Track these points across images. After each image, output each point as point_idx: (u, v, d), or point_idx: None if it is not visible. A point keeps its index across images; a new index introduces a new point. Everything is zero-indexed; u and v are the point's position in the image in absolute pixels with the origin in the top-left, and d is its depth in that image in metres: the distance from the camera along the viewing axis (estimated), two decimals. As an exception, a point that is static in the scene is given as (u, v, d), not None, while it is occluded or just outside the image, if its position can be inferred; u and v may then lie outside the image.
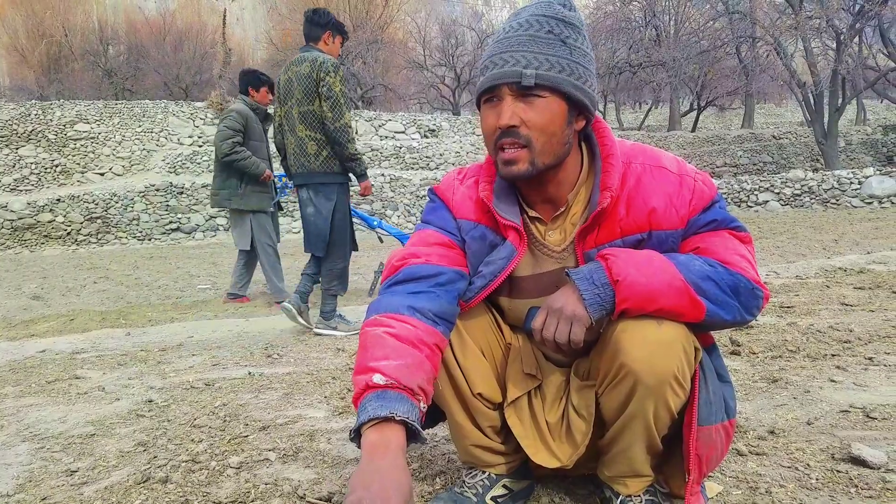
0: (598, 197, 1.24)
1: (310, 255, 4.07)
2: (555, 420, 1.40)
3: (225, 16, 22.32)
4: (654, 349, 1.17)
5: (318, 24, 4.00)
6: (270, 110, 5.41)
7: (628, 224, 1.25)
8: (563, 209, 1.32)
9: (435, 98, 31.91)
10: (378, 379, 1.13)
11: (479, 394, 1.39)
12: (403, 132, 19.30)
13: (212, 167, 16.80)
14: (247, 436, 2.15)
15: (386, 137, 19.12)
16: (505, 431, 1.45)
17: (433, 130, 19.15)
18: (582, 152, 1.33)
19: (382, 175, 15.69)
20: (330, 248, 3.97)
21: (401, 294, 1.28)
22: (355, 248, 4.15)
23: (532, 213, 1.34)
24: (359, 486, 1.01)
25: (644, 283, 1.16)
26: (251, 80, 5.47)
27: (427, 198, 1.49)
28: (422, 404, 1.16)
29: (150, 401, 2.64)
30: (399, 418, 1.09)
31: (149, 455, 2.00)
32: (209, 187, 15.09)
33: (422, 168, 17.92)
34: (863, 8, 17.56)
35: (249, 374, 3.02)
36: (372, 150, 17.57)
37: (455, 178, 1.44)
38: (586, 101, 1.23)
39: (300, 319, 3.99)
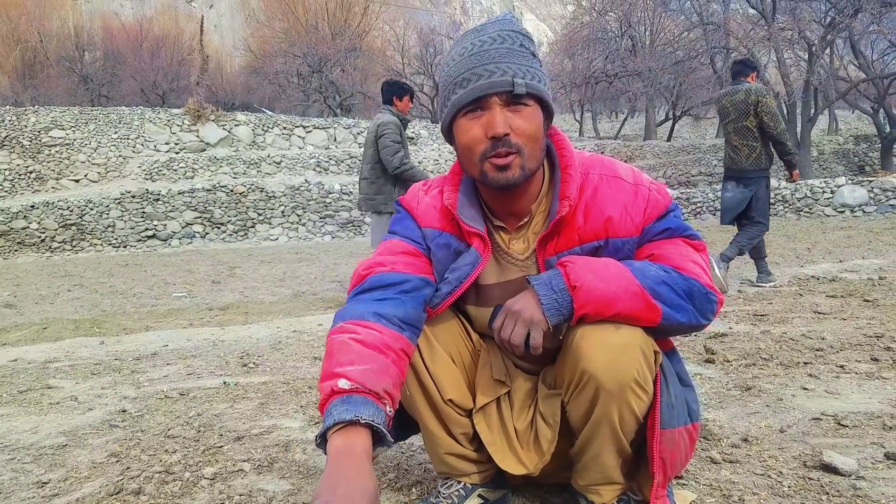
0: (558, 206, 1.29)
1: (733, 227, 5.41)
2: (523, 427, 1.42)
3: (202, 23, 22.16)
4: (613, 353, 1.20)
5: (750, 66, 5.47)
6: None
7: (586, 232, 1.30)
8: (526, 220, 1.36)
9: (413, 106, 31.95)
10: (343, 384, 1.13)
11: (451, 400, 1.41)
12: (383, 140, 19.23)
13: (188, 173, 16.78)
14: (221, 446, 2.13)
15: (364, 145, 19.05)
16: (478, 440, 1.45)
17: (412, 138, 19.16)
18: (543, 163, 1.37)
19: (361, 183, 15.65)
20: (750, 222, 5.22)
21: (366, 301, 1.29)
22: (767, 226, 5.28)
23: (496, 223, 1.38)
24: (325, 490, 1.00)
25: (602, 288, 1.21)
26: (395, 90, 5.63)
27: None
28: (388, 408, 1.16)
29: (124, 411, 2.60)
30: (364, 421, 1.09)
31: (122, 466, 1.97)
32: (185, 194, 15.14)
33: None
34: (834, 20, 17.94)
35: (224, 383, 2.99)
36: (350, 157, 17.54)
37: (420, 190, 1.48)
38: (553, 109, 1.31)
39: (718, 275, 4.93)
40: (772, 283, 5.13)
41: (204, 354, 3.73)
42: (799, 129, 19.20)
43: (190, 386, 2.97)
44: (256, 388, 2.88)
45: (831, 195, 13.64)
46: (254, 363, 3.41)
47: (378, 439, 1.12)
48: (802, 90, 19.36)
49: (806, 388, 2.41)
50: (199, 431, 2.29)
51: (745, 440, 1.94)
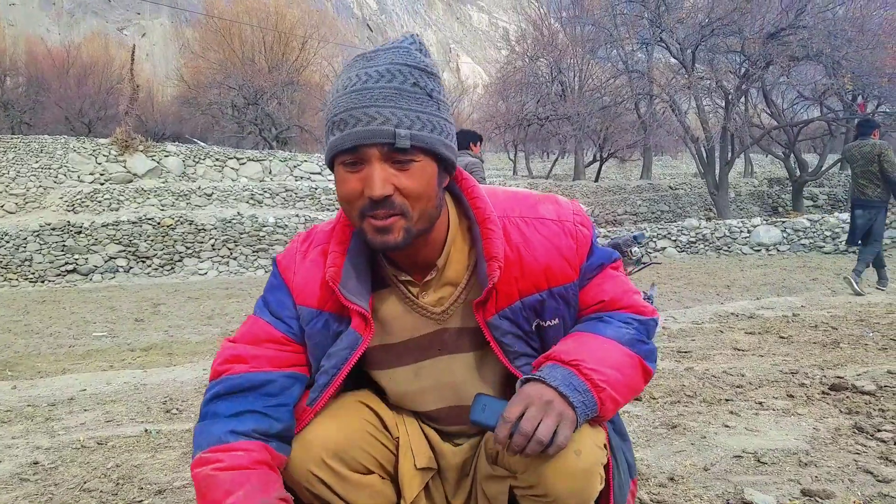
0: (486, 269, 1.14)
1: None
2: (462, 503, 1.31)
3: (133, 51, 21.67)
4: (577, 483, 1.09)
5: (874, 125, 7.26)
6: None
7: (525, 286, 1.17)
8: (433, 274, 1.20)
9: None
10: None
11: None
12: (319, 173, 19.17)
13: (113, 205, 16.14)
14: (141, 501, 2.03)
15: (301, 178, 18.93)
16: None
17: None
18: (447, 209, 1.21)
19: (297, 216, 15.50)
20: (869, 241, 6.98)
21: (222, 419, 1.15)
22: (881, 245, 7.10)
23: (403, 277, 1.21)
24: None
25: (616, 377, 1.11)
26: (470, 137, 6.21)
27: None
28: None
29: (36, 462, 2.45)
30: None
31: (31, 524, 1.85)
32: (109, 227, 14.56)
33: (337, 210, 17.82)
34: (748, 71, 19.13)
35: (146, 431, 2.86)
36: (286, 190, 17.34)
37: (298, 250, 1.26)
38: (453, 159, 1.13)
39: (856, 287, 6.53)
40: (885, 289, 6.99)
41: (125, 399, 3.56)
42: (717, 172, 20.21)
43: (109, 434, 2.83)
44: (180, 436, 2.77)
45: (748, 234, 14.35)
46: (178, 409, 3.28)
47: None
48: (720, 135, 20.46)
49: (728, 426, 2.50)
50: (118, 484, 2.18)
51: (672, 479, 2.00)
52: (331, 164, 1.11)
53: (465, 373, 1.24)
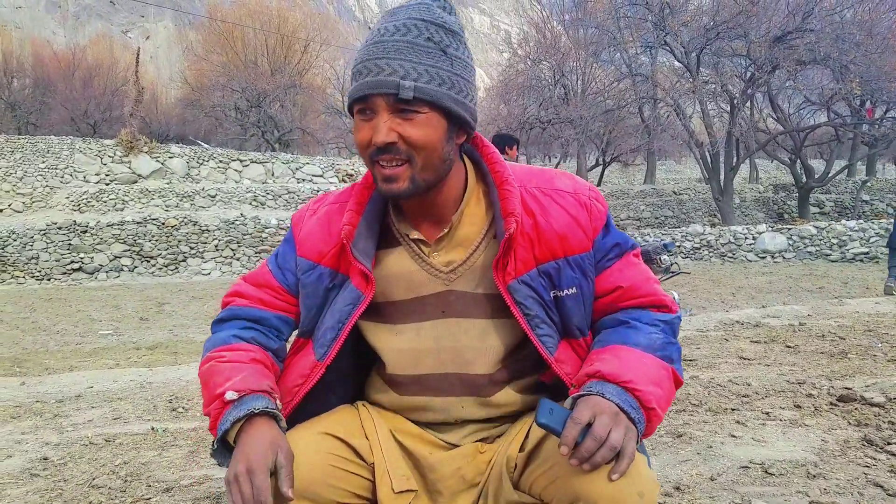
0: (504, 224, 1.15)
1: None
2: None
3: (138, 54, 21.74)
4: None
5: None
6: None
7: (542, 252, 1.18)
8: (447, 230, 1.21)
9: (353, 143, 31.94)
10: (231, 395, 1.12)
11: None
12: (321, 175, 19.21)
13: (118, 205, 16.20)
14: (149, 498, 2.04)
15: (303, 180, 18.97)
16: None
17: (352, 175, 19.17)
18: (465, 168, 1.24)
19: (299, 219, 15.54)
20: None
21: (227, 329, 1.27)
22: None
23: (414, 235, 1.22)
24: (234, 460, 1.04)
25: (660, 394, 1.11)
26: (507, 141, 6.18)
27: None
28: (277, 402, 1.16)
29: (46, 458, 2.46)
30: (259, 410, 1.10)
31: (40, 524, 1.86)
32: (114, 226, 14.60)
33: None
34: (754, 75, 19.11)
35: (153, 429, 2.87)
36: (289, 192, 17.38)
37: (310, 208, 1.33)
38: (467, 116, 1.15)
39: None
40: None
41: (131, 397, 3.57)
42: (722, 177, 20.18)
43: (116, 431, 2.84)
44: (186, 434, 2.78)
45: (753, 241, 14.32)
46: (183, 407, 3.29)
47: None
48: (725, 140, 20.43)
49: (734, 436, 2.50)
50: (126, 482, 2.19)
51: (678, 489, 1.99)
52: (351, 113, 1.16)
53: (467, 339, 1.22)
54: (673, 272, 5.01)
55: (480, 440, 1.24)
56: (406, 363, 1.24)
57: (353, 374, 1.33)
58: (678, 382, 1.18)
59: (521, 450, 1.15)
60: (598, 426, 0.99)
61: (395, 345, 1.24)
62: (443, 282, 1.21)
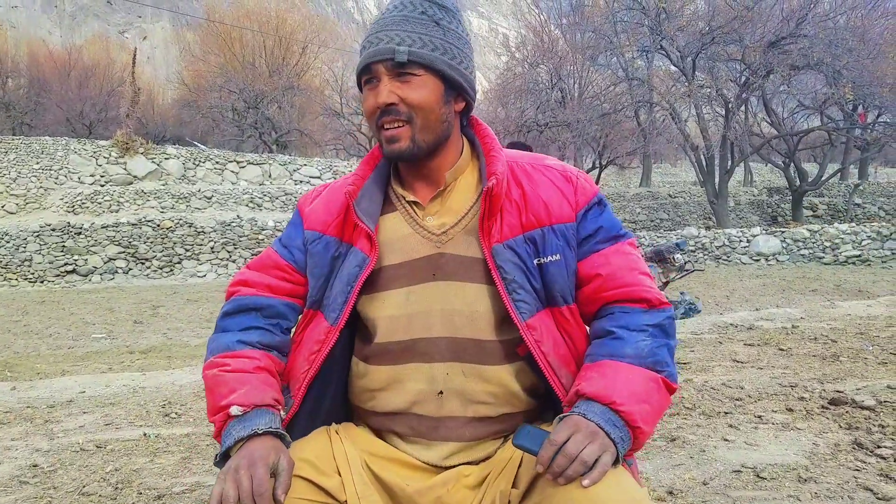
0: (486, 182, 1.21)
1: None
2: None
3: (135, 54, 21.72)
4: None
5: None
6: None
7: (528, 219, 1.24)
8: (441, 189, 1.27)
9: (351, 145, 31.95)
10: (235, 410, 1.16)
11: None
12: (319, 177, 19.21)
13: (113, 207, 16.19)
14: (141, 506, 2.03)
15: (301, 182, 18.96)
16: None
17: (348, 178, 19.21)
18: (463, 144, 1.32)
19: (295, 221, 15.54)
20: None
21: (231, 331, 1.29)
22: None
23: (410, 198, 1.28)
24: (237, 456, 1.08)
25: (647, 410, 1.13)
26: (520, 148, 6.40)
27: None
28: (281, 413, 1.20)
29: (35, 465, 2.45)
30: (262, 431, 1.12)
31: (29, 531, 1.85)
32: (109, 228, 14.56)
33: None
34: (748, 80, 19.19)
35: (145, 435, 2.86)
36: (286, 194, 17.36)
37: (316, 189, 1.41)
38: (461, 81, 1.23)
39: None
40: None
41: (123, 402, 3.56)
42: (717, 180, 20.24)
43: (108, 437, 2.83)
44: (179, 440, 2.77)
45: (747, 244, 14.36)
46: (176, 413, 3.28)
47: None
48: (720, 144, 20.51)
49: (727, 440, 2.50)
50: (117, 489, 2.18)
51: (671, 493, 2.00)
52: (361, 89, 1.26)
53: (458, 302, 1.22)
54: (687, 270, 5.03)
55: (463, 463, 1.21)
56: (398, 328, 1.24)
57: (346, 367, 1.32)
58: (671, 388, 1.18)
59: (515, 486, 1.14)
60: (571, 443, 1.04)
61: (387, 311, 1.25)
62: (434, 244, 1.25)
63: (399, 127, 1.19)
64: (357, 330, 1.32)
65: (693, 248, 14.74)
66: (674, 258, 5.28)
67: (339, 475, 1.19)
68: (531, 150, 6.10)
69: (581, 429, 1.07)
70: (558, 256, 1.23)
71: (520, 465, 1.16)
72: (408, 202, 1.28)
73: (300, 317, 1.34)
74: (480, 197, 1.23)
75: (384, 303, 1.26)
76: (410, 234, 1.26)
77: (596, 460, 1.04)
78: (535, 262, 1.22)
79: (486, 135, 1.32)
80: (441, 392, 1.22)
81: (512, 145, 6.27)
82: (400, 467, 1.22)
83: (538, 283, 1.22)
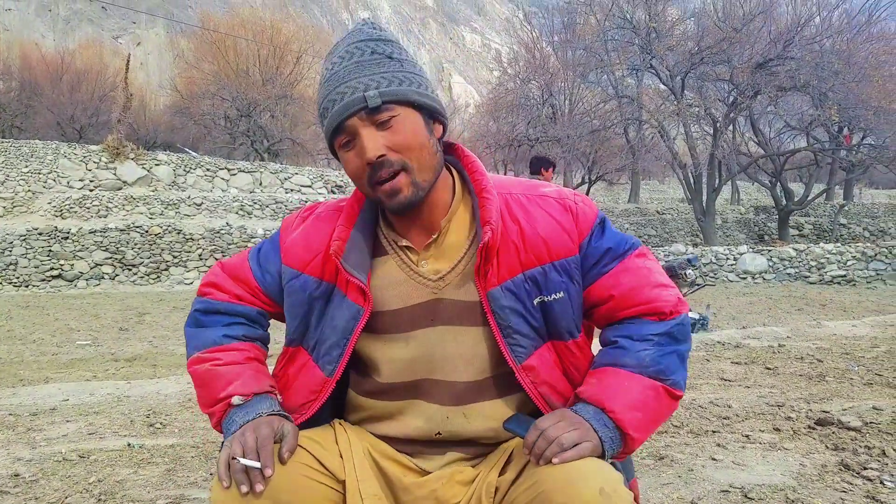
0: (482, 233, 1.16)
1: None
2: None
3: (129, 60, 21.66)
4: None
5: None
6: None
7: (528, 258, 1.19)
8: (436, 235, 1.22)
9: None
10: (237, 400, 1.18)
11: None
12: (310, 186, 19.18)
13: (102, 212, 16.08)
14: (124, 518, 2.01)
15: (292, 190, 18.92)
16: None
17: (340, 186, 19.17)
18: (452, 176, 1.26)
19: (284, 230, 15.51)
20: None
21: (213, 327, 1.29)
22: None
23: (403, 243, 1.23)
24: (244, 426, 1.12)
25: (641, 418, 1.13)
26: (543, 163, 6.42)
27: None
28: (278, 398, 1.23)
29: (17, 475, 2.42)
30: (266, 413, 1.15)
31: (10, 542, 1.82)
32: (96, 233, 14.47)
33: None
34: (736, 100, 19.43)
35: (129, 445, 2.83)
36: (276, 202, 17.31)
37: (300, 215, 1.33)
38: (434, 105, 1.18)
39: None
40: None
41: (108, 411, 3.52)
42: (704, 198, 20.41)
43: (91, 447, 2.79)
44: (163, 451, 2.74)
45: (734, 262, 14.47)
46: (161, 423, 3.24)
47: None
48: (708, 162, 20.71)
49: (715, 459, 2.51)
50: (100, 500, 2.15)
51: (658, 512, 2.00)
52: (335, 153, 1.19)
53: (456, 346, 1.21)
54: (698, 285, 5.06)
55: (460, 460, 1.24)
56: (401, 371, 1.24)
57: (341, 392, 1.32)
58: (674, 396, 1.17)
59: (503, 473, 1.15)
60: (552, 427, 1.08)
61: (389, 354, 1.24)
62: (431, 290, 1.21)
63: (396, 178, 1.12)
64: (352, 364, 1.28)
65: (680, 266, 14.82)
66: (685, 274, 5.30)
67: (341, 458, 1.21)
68: (554, 165, 6.02)
69: (566, 418, 1.11)
70: (562, 294, 1.20)
71: (511, 456, 1.18)
72: (400, 247, 1.24)
73: (280, 354, 1.32)
74: (475, 242, 1.20)
75: (385, 345, 1.25)
76: (405, 281, 1.23)
77: (574, 446, 1.06)
78: (537, 300, 1.19)
79: (475, 170, 1.25)
80: (439, 433, 1.23)
81: (536, 160, 6.36)
82: (397, 465, 1.24)
83: (538, 322, 1.20)
